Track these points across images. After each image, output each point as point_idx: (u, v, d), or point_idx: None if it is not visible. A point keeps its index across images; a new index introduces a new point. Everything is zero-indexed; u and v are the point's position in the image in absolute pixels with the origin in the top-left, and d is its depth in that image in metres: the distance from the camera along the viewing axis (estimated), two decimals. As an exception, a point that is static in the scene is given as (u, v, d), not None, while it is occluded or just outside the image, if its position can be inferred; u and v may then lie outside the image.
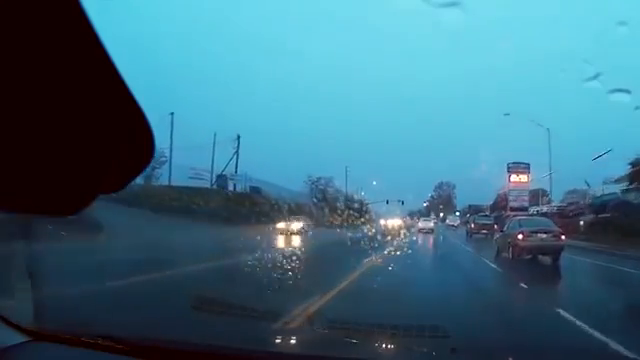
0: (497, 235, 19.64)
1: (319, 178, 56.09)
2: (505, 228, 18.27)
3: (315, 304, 6.45)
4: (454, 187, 70.62)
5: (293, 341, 3.54)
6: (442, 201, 71.69)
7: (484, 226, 31.01)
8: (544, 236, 15.57)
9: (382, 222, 46.74)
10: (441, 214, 61.85)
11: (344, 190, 54.90)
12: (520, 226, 16.56)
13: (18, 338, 2.30)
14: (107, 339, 2.40)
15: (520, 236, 15.57)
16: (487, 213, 42.64)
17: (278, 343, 3.28)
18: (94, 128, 0.70)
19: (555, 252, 15.17)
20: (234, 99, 65.11)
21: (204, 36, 68.88)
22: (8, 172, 0.66)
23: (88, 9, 0.63)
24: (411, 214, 62.44)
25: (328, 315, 5.61)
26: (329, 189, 55.65)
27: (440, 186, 72.07)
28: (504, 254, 16.85)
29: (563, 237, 15.93)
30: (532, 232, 15.65)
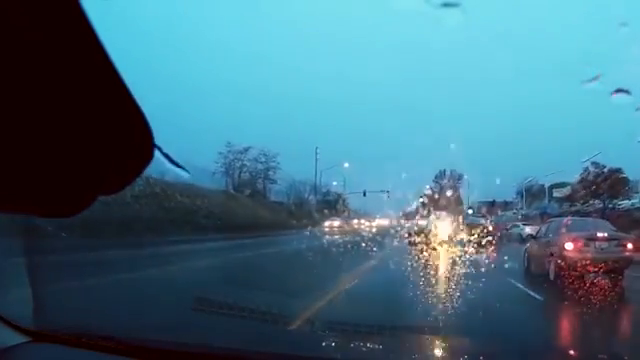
0: (529, 243, 13.70)
1: (247, 149, 33.19)
2: (541, 233, 12.99)
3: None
4: (460, 178, 56.32)
5: (292, 342, 3.54)
6: (444, 196, 57.94)
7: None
8: (605, 245, 10.73)
9: (327, 223, 29.12)
10: (442, 213, 47.42)
11: (302, 175, 35.92)
12: (568, 229, 11.48)
13: (18, 338, 2.30)
14: (107, 340, 2.41)
15: (569, 244, 10.61)
16: (524, 213, 32.67)
17: (277, 344, 3.28)
18: (93, 129, 0.70)
19: (619, 268, 10.36)
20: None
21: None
22: (7, 173, 0.66)
23: (87, 9, 0.63)
24: (405, 213, 51.01)
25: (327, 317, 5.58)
26: (269, 169, 34.92)
27: (442, 176, 58.11)
28: (537, 269, 11.84)
29: (630, 245, 10.97)
30: (588, 238, 10.80)
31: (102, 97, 0.69)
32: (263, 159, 34.64)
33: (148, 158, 0.78)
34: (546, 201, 34.18)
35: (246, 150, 33.01)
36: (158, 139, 0.77)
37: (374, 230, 26.63)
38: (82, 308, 4.89)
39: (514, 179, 37.22)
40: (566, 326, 6.77)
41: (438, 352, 3.27)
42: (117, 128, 0.73)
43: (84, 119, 0.69)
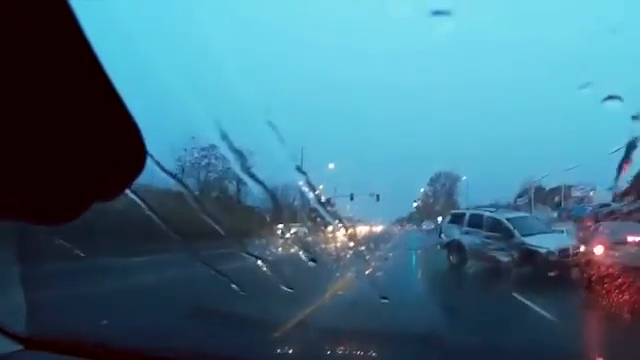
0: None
1: (213, 146, 25.38)
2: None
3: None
4: (457, 180, 47.77)
5: (285, 350, 3.53)
6: (440, 200, 49.59)
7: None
8: (635, 249, 9.71)
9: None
10: (439, 218, 39.81)
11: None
12: (599, 233, 10.74)
13: (10, 346, 2.29)
14: (99, 347, 2.40)
15: (599, 248, 9.91)
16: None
17: (271, 351, 3.28)
18: (86, 135, 0.71)
19: None
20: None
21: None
22: (0, 180, 0.67)
23: (79, 14, 0.64)
24: (400, 220, 45.72)
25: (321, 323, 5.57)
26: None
27: (437, 179, 49.40)
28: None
29: None
30: (617, 242, 9.89)
31: (94, 103, 0.70)
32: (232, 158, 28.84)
33: (141, 165, 0.79)
34: (562, 202, 30.76)
35: (213, 147, 27.04)
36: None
37: (343, 243, 16.08)
38: (75, 315, 4.86)
39: (511, 181, 33.83)
40: (590, 333, 6.44)
41: (433, 358, 3.26)
42: (110, 135, 0.73)
43: (77, 126, 0.69)
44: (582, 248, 11.20)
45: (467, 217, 14.85)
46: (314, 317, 6.64)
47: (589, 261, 9.84)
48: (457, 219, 15.35)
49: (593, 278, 9.20)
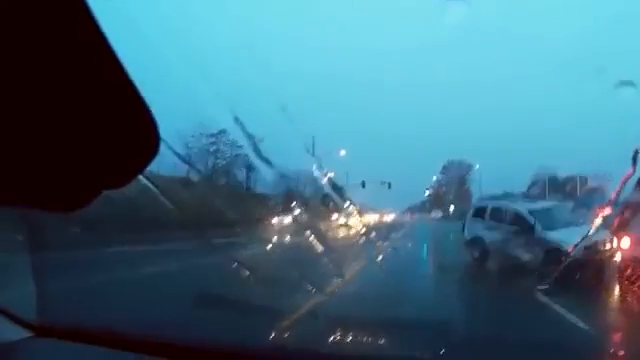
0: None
1: (222, 131, 25.69)
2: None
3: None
4: (470, 168, 45.69)
5: (295, 337, 3.54)
6: (452, 188, 48.01)
7: None
8: None
9: (276, 220, 20.40)
10: (452, 206, 41.45)
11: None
12: (631, 226, 9.87)
13: (21, 333, 2.31)
14: (110, 334, 2.41)
15: (626, 241, 9.45)
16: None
17: (280, 339, 3.28)
18: (98, 121, 0.70)
19: None
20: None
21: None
22: (9, 166, 0.66)
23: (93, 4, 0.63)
24: (411, 208, 46.02)
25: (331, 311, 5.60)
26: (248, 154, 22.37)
27: (450, 167, 47.81)
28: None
29: None
30: None
31: (107, 90, 0.68)
32: (243, 143, 27.74)
33: (153, 152, 0.78)
34: (577, 192, 29.54)
35: (222, 133, 26.09)
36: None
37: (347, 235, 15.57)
38: (85, 303, 4.92)
39: (524, 170, 33.30)
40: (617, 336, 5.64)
41: (443, 347, 3.25)
42: (122, 121, 0.72)
43: (89, 112, 0.68)
44: (611, 242, 10.08)
45: (489, 210, 13.87)
46: (323, 306, 6.06)
47: (616, 256, 9.42)
48: (480, 213, 14.31)
49: (621, 275, 8.82)
